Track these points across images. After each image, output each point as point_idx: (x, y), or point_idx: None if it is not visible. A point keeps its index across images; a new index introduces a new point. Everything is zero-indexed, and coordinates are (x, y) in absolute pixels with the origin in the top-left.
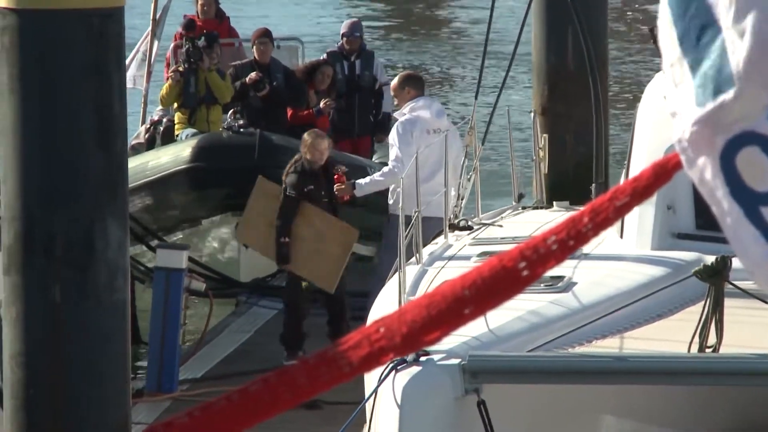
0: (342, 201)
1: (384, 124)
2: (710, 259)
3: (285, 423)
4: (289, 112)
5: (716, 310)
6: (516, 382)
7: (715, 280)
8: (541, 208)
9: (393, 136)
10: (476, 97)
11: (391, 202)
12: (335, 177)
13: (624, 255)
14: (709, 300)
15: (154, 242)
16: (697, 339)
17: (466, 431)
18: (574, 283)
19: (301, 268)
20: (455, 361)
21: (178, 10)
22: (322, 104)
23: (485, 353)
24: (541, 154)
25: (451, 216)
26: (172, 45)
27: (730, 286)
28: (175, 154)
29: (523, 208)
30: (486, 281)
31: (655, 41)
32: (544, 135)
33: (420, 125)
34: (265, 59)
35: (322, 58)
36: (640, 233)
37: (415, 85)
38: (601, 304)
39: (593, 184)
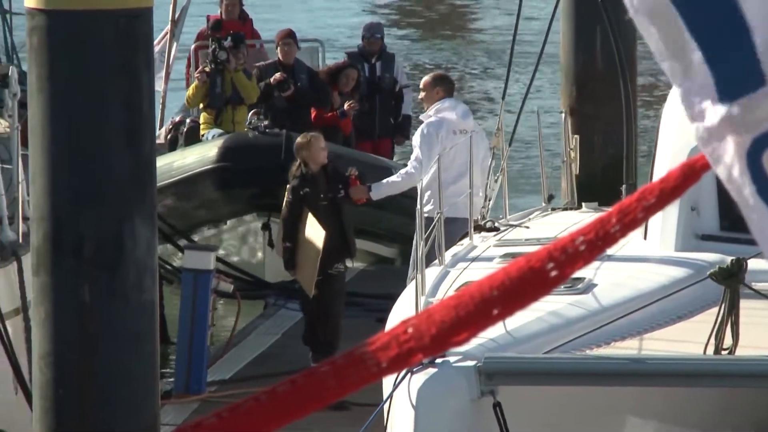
0: (357, 203)
1: (404, 126)
2: None
3: (312, 424)
4: (313, 113)
5: (732, 313)
6: (532, 384)
7: (731, 283)
8: (572, 209)
9: (417, 138)
10: (503, 98)
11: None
12: (351, 180)
13: (646, 256)
14: (724, 302)
15: (182, 242)
16: (713, 341)
17: None
18: (594, 285)
19: (297, 274)
20: (471, 363)
21: (194, 10)
22: (346, 106)
23: (501, 355)
24: (572, 155)
25: (478, 217)
26: (193, 46)
27: (747, 288)
28: (202, 154)
29: (553, 209)
30: (514, 282)
31: None
32: (575, 136)
33: (446, 126)
34: (289, 60)
35: (343, 60)
36: (664, 235)
37: (445, 86)
38: (620, 306)
39: (624, 185)
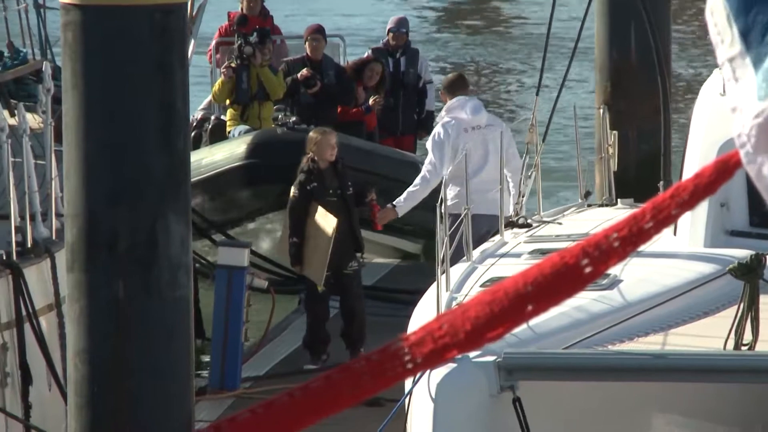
0: (377, 228)
1: (427, 122)
2: None
3: (344, 420)
4: (338, 109)
5: (751, 308)
6: (551, 380)
7: (750, 278)
8: (609, 205)
9: (428, 141)
10: (537, 94)
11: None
12: (371, 205)
13: (675, 252)
14: (744, 298)
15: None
16: (732, 336)
17: (501, 429)
18: (620, 281)
19: (304, 268)
20: (491, 358)
21: (213, 7)
22: (370, 101)
23: (521, 350)
24: (610, 150)
25: (512, 213)
26: (214, 42)
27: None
28: (230, 151)
29: (588, 205)
30: (548, 278)
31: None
32: (613, 132)
33: (456, 126)
34: (317, 56)
35: (367, 54)
36: (693, 230)
37: (459, 86)
38: (644, 301)
39: (661, 182)
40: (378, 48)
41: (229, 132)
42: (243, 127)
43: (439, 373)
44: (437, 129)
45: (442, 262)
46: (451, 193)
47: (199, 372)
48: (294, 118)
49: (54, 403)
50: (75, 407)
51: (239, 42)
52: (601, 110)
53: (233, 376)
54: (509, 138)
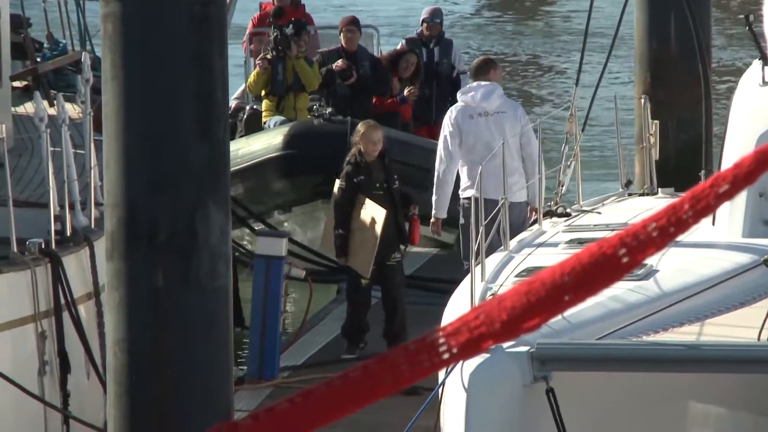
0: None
1: None
2: None
3: (381, 409)
4: (374, 100)
5: None
6: (584, 370)
7: None
8: (649, 194)
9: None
10: (576, 84)
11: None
12: (413, 220)
13: (713, 242)
14: None
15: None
16: (767, 327)
17: (534, 419)
18: (656, 271)
19: (350, 260)
20: (524, 348)
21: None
22: (405, 92)
23: (554, 341)
24: (652, 140)
25: (552, 203)
26: (247, 32)
27: None
28: (267, 142)
29: (629, 194)
30: (585, 268)
31: (751, 29)
32: (655, 121)
33: (462, 111)
34: (352, 47)
35: (400, 46)
36: (732, 220)
37: (481, 71)
38: (680, 292)
39: (702, 171)
40: (412, 38)
41: (264, 123)
42: (279, 118)
43: (471, 364)
44: (444, 120)
45: (477, 252)
46: (462, 182)
47: (238, 362)
48: (330, 110)
49: (92, 391)
50: (114, 396)
51: (275, 33)
52: (642, 100)
53: (271, 366)
54: (525, 124)
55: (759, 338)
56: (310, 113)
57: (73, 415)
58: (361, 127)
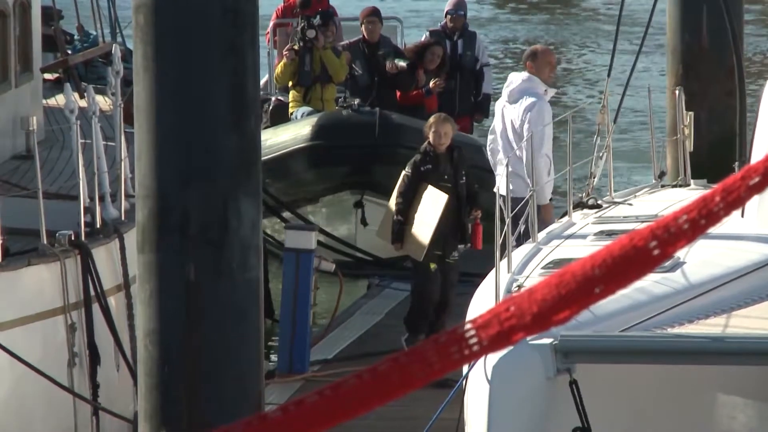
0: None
1: (484, 104)
2: None
3: (411, 402)
4: (398, 92)
5: None
6: (608, 362)
7: None
8: (682, 186)
9: None
10: (608, 75)
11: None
12: (475, 225)
13: (742, 234)
14: None
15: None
16: None
17: (557, 411)
18: (683, 263)
19: (405, 245)
20: (547, 340)
21: None
22: (431, 84)
23: (577, 333)
24: (686, 131)
25: (583, 194)
26: (271, 23)
27: None
28: (295, 132)
29: (662, 186)
30: (616, 260)
31: None
32: (689, 113)
33: (499, 102)
34: (373, 38)
35: (424, 37)
36: (761, 213)
37: (528, 58)
38: (706, 284)
39: (736, 162)
40: (435, 30)
41: (292, 113)
42: (306, 109)
43: (495, 356)
44: None
45: (503, 244)
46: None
47: (268, 356)
48: (357, 100)
49: (122, 383)
50: (145, 387)
51: (302, 24)
52: (677, 92)
53: (302, 360)
54: (535, 116)
55: None
56: (338, 104)
57: (102, 407)
58: (432, 119)
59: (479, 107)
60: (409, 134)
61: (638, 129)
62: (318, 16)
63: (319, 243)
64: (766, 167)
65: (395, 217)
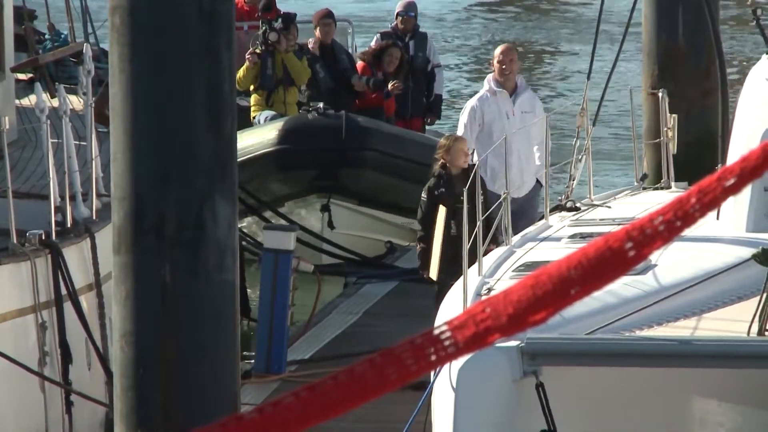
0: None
1: (436, 105)
2: None
3: (387, 404)
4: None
5: None
6: (574, 365)
7: None
8: (664, 188)
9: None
10: (588, 77)
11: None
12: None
13: (716, 237)
14: (767, 284)
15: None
16: (756, 322)
17: (523, 414)
18: (655, 265)
19: (428, 270)
20: (513, 343)
21: None
22: (390, 87)
23: (544, 335)
24: (669, 134)
25: (562, 197)
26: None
27: None
28: (261, 136)
29: (644, 188)
30: (592, 262)
31: (758, 23)
32: (673, 115)
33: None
34: (327, 39)
35: (374, 40)
36: (736, 215)
37: None
38: (676, 286)
39: (719, 165)
40: (386, 32)
41: (254, 117)
42: (269, 113)
43: (460, 359)
44: None
45: (472, 245)
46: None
47: (245, 356)
48: (321, 104)
49: (94, 382)
50: (121, 389)
51: (264, 28)
52: (660, 94)
53: (279, 360)
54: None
55: (748, 333)
56: (303, 108)
57: (76, 390)
58: (444, 140)
59: (431, 108)
60: (375, 137)
61: (617, 131)
62: (279, 20)
63: (299, 242)
64: (742, 168)
65: (418, 245)
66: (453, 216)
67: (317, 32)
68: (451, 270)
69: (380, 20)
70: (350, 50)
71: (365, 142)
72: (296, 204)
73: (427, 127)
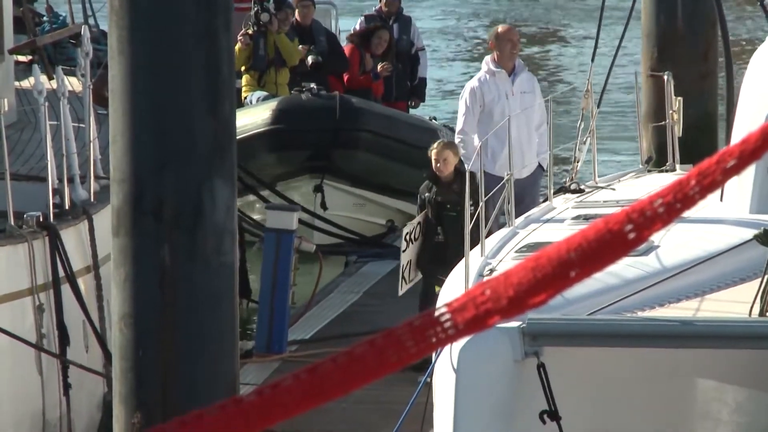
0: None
1: (420, 88)
2: None
3: (388, 385)
4: (345, 76)
5: None
6: (576, 346)
7: None
8: (670, 170)
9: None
10: (593, 60)
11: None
12: None
13: (720, 218)
14: None
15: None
16: (758, 303)
17: (524, 395)
18: (657, 246)
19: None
20: (515, 324)
21: None
22: (379, 68)
23: (545, 316)
24: (675, 116)
25: (568, 179)
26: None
27: None
28: (255, 117)
29: (649, 171)
30: (591, 244)
31: (763, 5)
32: (678, 98)
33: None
34: (306, 21)
35: (358, 22)
36: (740, 197)
37: None
38: (678, 267)
39: (726, 146)
40: (370, 15)
41: (245, 98)
42: (261, 93)
43: (461, 339)
44: None
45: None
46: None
47: (246, 335)
48: (314, 84)
49: (91, 364)
50: (120, 371)
51: (255, 9)
52: (665, 77)
53: (280, 340)
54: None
55: (750, 314)
56: (296, 88)
57: (71, 361)
58: (435, 145)
59: (415, 91)
60: (369, 118)
61: (620, 113)
62: (272, 1)
63: (301, 222)
64: (742, 151)
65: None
66: (441, 222)
67: (297, 14)
68: (438, 271)
69: (365, 2)
70: (335, 33)
71: (359, 123)
72: (289, 184)
73: (411, 110)
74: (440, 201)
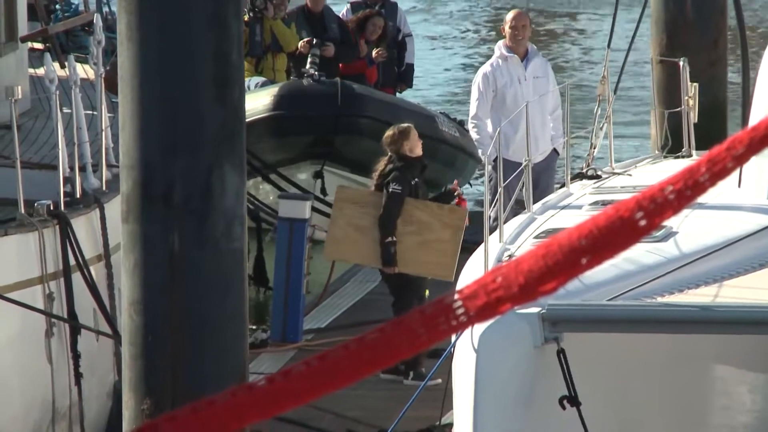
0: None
1: (407, 74)
2: None
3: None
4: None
5: None
6: (596, 331)
7: None
8: (686, 156)
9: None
10: (608, 46)
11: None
12: (459, 201)
13: (737, 204)
14: None
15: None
16: None
17: (545, 380)
18: (675, 233)
19: (410, 265)
20: (535, 309)
21: None
22: (373, 54)
23: (565, 302)
24: (690, 102)
25: (584, 165)
26: None
27: None
28: (255, 102)
29: (665, 156)
30: (602, 231)
31: None
32: (694, 84)
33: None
34: (317, 8)
35: (345, 9)
36: (757, 182)
37: None
38: (696, 253)
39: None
40: (357, 2)
41: None
42: (260, 79)
43: (482, 324)
44: None
45: (494, 211)
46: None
47: (265, 322)
48: (312, 70)
49: (102, 352)
50: (130, 357)
51: None
52: (681, 63)
53: (295, 329)
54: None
55: None
56: (297, 74)
57: (84, 325)
58: (394, 129)
59: (403, 77)
60: (370, 104)
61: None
62: None
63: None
64: (751, 138)
65: (387, 239)
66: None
67: (308, 0)
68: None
69: None
70: (343, 19)
71: (360, 109)
72: (289, 170)
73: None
74: (421, 181)
